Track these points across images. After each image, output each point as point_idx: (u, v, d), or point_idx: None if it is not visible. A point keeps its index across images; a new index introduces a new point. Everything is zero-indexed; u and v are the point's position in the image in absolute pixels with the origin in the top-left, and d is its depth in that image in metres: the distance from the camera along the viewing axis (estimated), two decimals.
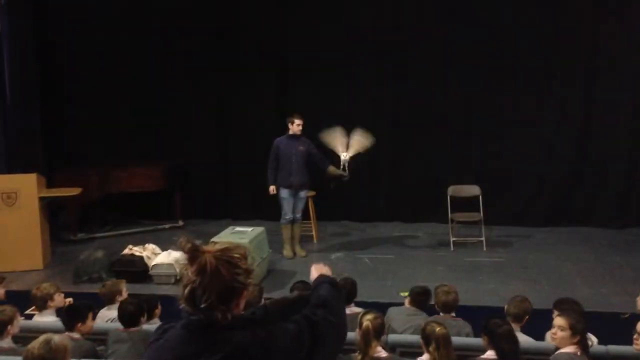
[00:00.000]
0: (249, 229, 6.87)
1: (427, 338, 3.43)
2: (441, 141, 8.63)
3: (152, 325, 4.07)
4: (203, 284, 1.68)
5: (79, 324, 3.87)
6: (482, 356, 3.49)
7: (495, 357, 3.41)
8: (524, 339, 3.84)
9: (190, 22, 8.86)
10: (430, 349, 3.38)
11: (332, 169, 7.34)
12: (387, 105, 8.76)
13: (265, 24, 8.80)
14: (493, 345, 3.42)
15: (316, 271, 2.12)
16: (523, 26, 8.25)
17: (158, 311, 4.37)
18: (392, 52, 8.61)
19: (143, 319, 4.03)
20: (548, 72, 8.36)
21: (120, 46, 8.92)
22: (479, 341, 3.68)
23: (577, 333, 3.42)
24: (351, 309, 4.31)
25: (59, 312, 4.45)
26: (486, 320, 3.56)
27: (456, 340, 3.83)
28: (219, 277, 1.68)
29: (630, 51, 8.12)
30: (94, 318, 4.14)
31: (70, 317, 3.95)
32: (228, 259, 1.71)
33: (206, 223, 8.75)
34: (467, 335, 4.15)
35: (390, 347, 3.79)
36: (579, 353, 3.40)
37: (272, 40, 8.83)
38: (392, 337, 3.96)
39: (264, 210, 8.58)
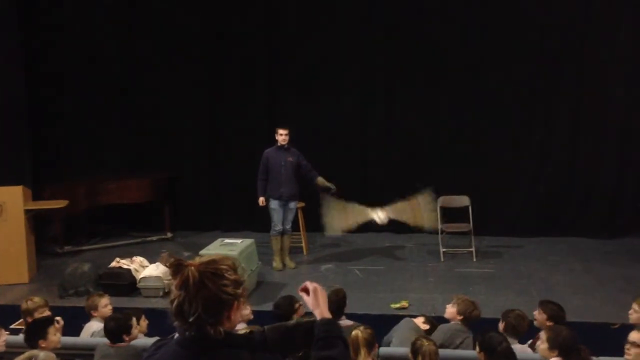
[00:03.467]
0: (239, 241, 6.82)
1: (415, 352, 3.41)
2: (431, 151, 8.65)
3: (139, 341, 4.01)
4: (188, 297, 1.67)
5: (40, 341, 3.73)
6: None
7: None
8: (519, 348, 3.84)
9: (180, 35, 8.83)
10: None
11: (320, 180, 7.36)
12: (376, 115, 8.77)
13: (255, 36, 8.80)
14: None
15: (314, 299, 1.93)
16: (511, 38, 8.31)
17: (137, 330, 4.10)
18: (382, 63, 8.64)
19: (127, 336, 3.94)
20: (537, 83, 8.40)
21: (109, 58, 8.90)
22: (472, 354, 3.66)
23: (555, 347, 3.42)
24: (342, 322, 4.27)
25: None
26: (483, 336, 3.52)
27: (451, 353, 3.81)
28: (203, 290, 1.67)
29: (618, 65, 8.19)
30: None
31: (29, 334, 3.83)
32: (213, 270, 1.70)
33: (195, 235, 8.69)
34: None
35: None
36: None
37: (261, 51, 8.82)
38: (384, 350, 3.93)
39: (253, 222, 8.54)
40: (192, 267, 1.69)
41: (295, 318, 4.34)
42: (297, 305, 4.41)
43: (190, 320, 1.67)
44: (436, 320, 4.56)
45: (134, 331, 4.01)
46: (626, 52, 8.16)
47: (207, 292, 1.67)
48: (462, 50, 8.41)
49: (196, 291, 1.66)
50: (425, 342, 3.42)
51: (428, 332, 4.35)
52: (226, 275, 1.71)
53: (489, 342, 3.41)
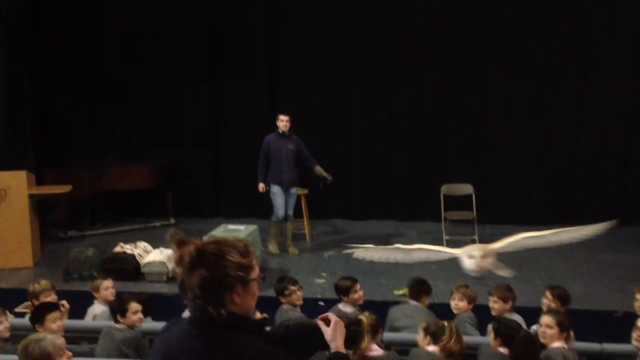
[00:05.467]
0: (242, 227, 6.83)
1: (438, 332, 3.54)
2: (435, 139, 8.62)
3: (143, 325, 4.03)
4: (185, 274, 1.68)
5: (37, 326, 3.76)
6: None
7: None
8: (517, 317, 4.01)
9: (182, 22, 8.78)
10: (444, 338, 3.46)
11: (318, 169, 7.38)
12: (380, 103, 8.74)
13: (256, 22, 8.75)
14: (513, 351, 3.40)
15: (333, 332, 1.91)
16: (515, 26, 8.24)
17: (136, 317, 4.01)
18: (384, 51, 8.59)
19: (122, 318, 3.95)
20: (541, 71, 8.36)
21: (111, 44, 8.85)
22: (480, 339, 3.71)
23: (564, 329, 3.56)
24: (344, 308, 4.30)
25: None
26: (499, 323, 3.62)
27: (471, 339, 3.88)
28: (200, 268, 1.66)
29: (623, 52, 8.15)
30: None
31: (31, 317, 3.89)
32: (214, 251, 1.69)
33: (198, 221, 8.68)
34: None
35: (386, 346, 3.77)
36: (566, 347, 3.54)
37: (263, 37, 8.78)
38: (387, 335, 3.94)
39: (256, 209, 8.54)
40: (192, 245, 1.68)
41: (283, 300, 4.38)
42: (288, 289, 4.44)
43: (190, 297, 1.68)
44: (441, 311, 4.57)
45: (132, 316, 3.95)
46: (632, 40, 8.11)
47: (204, 271, 1.66)
48: (467, 39, 8.35)
49: (191, 269, 1.66)
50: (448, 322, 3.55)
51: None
52: (229, 257, 1.68)
53: (506, 329, 3.49)
